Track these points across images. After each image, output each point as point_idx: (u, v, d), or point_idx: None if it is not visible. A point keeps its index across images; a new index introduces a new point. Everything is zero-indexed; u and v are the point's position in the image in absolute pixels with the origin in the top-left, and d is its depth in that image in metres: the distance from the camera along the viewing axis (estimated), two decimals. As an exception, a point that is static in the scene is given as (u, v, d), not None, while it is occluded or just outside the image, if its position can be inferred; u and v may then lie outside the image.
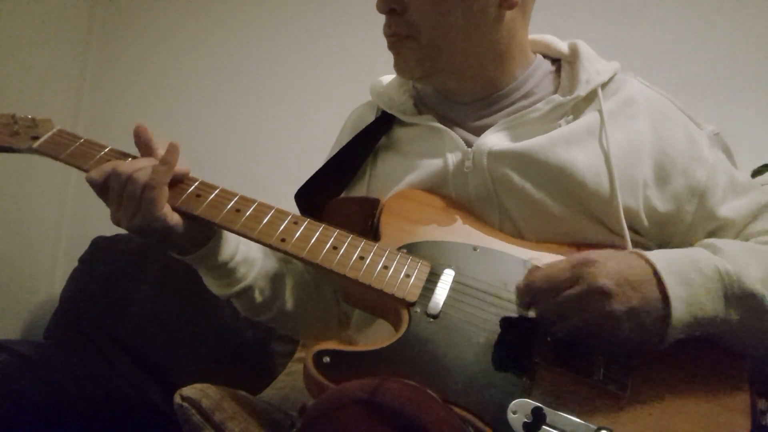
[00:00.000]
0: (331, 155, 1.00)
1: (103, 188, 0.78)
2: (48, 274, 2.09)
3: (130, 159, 0.82)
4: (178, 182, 0.81)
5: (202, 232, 0.82)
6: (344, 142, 0.97)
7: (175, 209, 0.80)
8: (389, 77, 1.00)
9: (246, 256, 0.88)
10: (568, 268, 0.69)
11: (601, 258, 0.69)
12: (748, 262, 0.71)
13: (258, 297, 0.90)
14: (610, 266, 0.68)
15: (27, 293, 2.01)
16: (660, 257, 0.71)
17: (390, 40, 0.88)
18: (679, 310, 0.67)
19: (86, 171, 0.82)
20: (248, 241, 0.86)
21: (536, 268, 0.73)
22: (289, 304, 0.94)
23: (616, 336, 0.68)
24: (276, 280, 0.92)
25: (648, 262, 0.70)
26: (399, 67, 0.89)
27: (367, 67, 1.58)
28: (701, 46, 1.71)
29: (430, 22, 0.83)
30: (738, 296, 0.69)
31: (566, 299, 0.68)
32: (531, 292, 0.72)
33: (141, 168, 0.77)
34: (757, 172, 1.35)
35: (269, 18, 2.11)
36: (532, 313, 0.73)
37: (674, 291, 0.68)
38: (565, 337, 0.70)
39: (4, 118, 0.88)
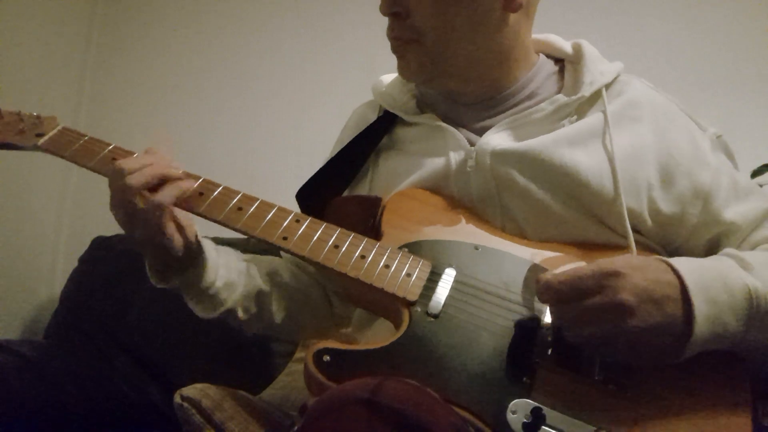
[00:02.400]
0: (333, 154, 1.00)
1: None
2: (48, 274, 2.09)
3: (136, 155, 0.83)
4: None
5: (184, 261, 0.83)
6: (346, 142, 0.97)
7: (176, 206, 0.80)
8: (391, 76, 1.00)
9: (227, 281, 0.88)
10: (592, 276, 0.67)
11: (629, 270, 0.67)
12: None
13: (243, 316, 0.91)
14: (636, 281, 0.66)
15: (27, 293, 2.01)
16: (689, 269, 0.68)
17: (394, 44, 0.87)
18: (701, 327, 0.66)
19: (90, 169, 0.83)
20: (229, 263, 0.89)
21: (558, 270, 0.70)
22: (278, 317, 0.95)
23: (631, 350, 0.66)
24: (260, 297, 0.92)
25: (677, 274, 0.67)
26: (403, 70, 0.89)
27: (368, 66, 1.58)
28: (702, 46, 1.71)
29: (434, 26, 0.83)
30: (762, 316, 0.68)
31: (587, 308, 0.66)
32: (552, 291, 0.69)
33: (138, 169, 0.77)
34: (757, 173, 1.35)
35: (269, 18, 2.11)
36: (545, 316, 0.72)
37: (699, 310, 0.66)
38: (579, 343, 0.69)
39: (9, 115, 0.88)
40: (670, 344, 0.66)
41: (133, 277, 1.73)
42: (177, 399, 0.93)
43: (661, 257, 0.71)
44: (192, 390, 0.94)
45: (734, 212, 0.81)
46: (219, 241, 1.04)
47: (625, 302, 0.64)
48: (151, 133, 2.02)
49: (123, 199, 0.76)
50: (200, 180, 0.82)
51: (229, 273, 0.89)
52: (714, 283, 0.67)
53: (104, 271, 1.80)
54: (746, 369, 0.71)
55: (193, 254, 0.84)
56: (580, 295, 0.67)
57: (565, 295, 0.67)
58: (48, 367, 1.40)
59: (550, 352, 0.71)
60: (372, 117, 0.99)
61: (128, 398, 1.46)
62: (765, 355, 0.71)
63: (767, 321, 0.68)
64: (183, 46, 2.18)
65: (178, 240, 0.80)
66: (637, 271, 0.67)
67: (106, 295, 1.75)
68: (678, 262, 0.69)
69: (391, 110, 0.95)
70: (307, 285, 0.99)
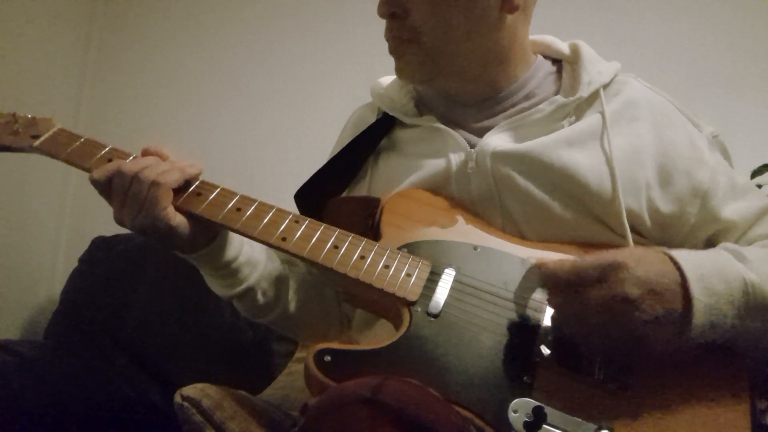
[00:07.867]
0: (332, 155, 0.99)
1: (105, 188, 0.78)
2: (48, 274, 2.09)
3: (133, 157, 0.82)
4: None
5: (206, 234, 0.81)
6: (345, 143, 0.97)
7: (175, 208, 0.80)
8: (389, 78, 1.00)
9: (249, 258, 0.87)
10: (597, 266, 0.68)
11: (632, 262, 0.67)
12: None
13: (260, 298, 0.89)
14: (639, 273, 0.67)
15: (27, 293, 2.01)
16: (688, 260, 0.69)
17: (391, 44, 0.88)
18: (700, 319, 0.67)
19: (87, 170, 0.82)
20: (252, 243, 0.86)
21: (562, 260, 0.71)
22: (292, 306, 0.93)
23: (632, 343, 0.67)
24: (279, 282, 0.91)
25: (677, 266, 0.69)
26: (401, 71, 0.89)
27: (368, 67, 1.57)
28: (702, 45, 1.71)
29: (432, 26, 0.83)
30: (758, 308, 0.69)
31: (590, 299, 0.67)
32: (554, 279, 0.70)
33: (146, 166, 0.77)
34: (756, 172, 1.36)
35: (269, 18, 2.11)
36: (545, 315, 0.72)
37: (698, 300, 0.67)
38: (579, 336, 0.69)
39: (4, 117, 0.88)
40: (669, 335, 0.67)
41: (133, 277, 1.74)
42: (177, 399, 0.93)
43: (661, 248, 0.72)
44: (192, 390, 0.93)
45: (732, 210, 0.82)
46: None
47: (629, 295, 0.65)
48: (150, 136, 2.02)
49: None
50: (198, 181, 0.82)
51: (252, 250, 0.88)
52: (712, 274, 0.68)
53: (104, 271, 1.80)
54: (745, 367, 0.72)
55: (215, 231, 0.82)
56: (583, 284, 0.67)
57: (566, 283, 0.69)
58: (48, 367, 1.40)
59: (550, 351, 0.71)
60: (371, 119, 0.99)
61: (128, 398, 1.46)
62: (760, 345, 0.71)
63: (763, 313, 0.69)
64: (183, 46, 2.18)
65: (179, 221, 0.78)
66: (640, 263, 0.68)
67: (106, 295, 1.75)
68: (678, 253, 0.70)
69: (390, 112, 0.95)
70: (321, 280, 0.98)
